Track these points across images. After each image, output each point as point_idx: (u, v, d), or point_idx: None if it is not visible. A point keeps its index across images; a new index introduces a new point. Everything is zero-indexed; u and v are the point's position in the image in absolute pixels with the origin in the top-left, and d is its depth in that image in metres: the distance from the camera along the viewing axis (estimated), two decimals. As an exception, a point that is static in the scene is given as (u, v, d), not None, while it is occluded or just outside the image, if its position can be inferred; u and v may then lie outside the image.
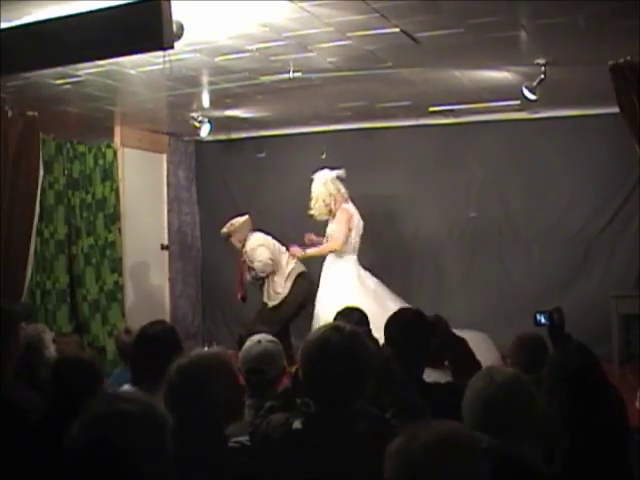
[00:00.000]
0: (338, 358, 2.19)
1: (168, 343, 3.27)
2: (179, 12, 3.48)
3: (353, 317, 3.71)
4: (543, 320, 3.61)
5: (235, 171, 8.37)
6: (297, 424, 2.22)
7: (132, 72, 5.08)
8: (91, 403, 1.72)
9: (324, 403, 2.22)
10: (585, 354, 2.98)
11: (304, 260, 6.89)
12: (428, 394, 2.90)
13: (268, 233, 7.34)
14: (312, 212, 6.70)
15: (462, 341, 3.54)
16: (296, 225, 7.89)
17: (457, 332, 3.65)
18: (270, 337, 3.24)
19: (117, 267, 7.18)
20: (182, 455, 2.17)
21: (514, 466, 2.01)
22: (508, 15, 4.07)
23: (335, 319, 3.57)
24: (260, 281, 6.90)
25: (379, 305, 5.89)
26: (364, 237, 7.54)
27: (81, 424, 1.65)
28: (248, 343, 3.18)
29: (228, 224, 6.89)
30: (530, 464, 2.09)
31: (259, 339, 3.17)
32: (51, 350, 3.65)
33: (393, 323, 3.26)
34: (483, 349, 5.23)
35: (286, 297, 6.80)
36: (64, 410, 2.55)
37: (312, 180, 6.70)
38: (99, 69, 4.92)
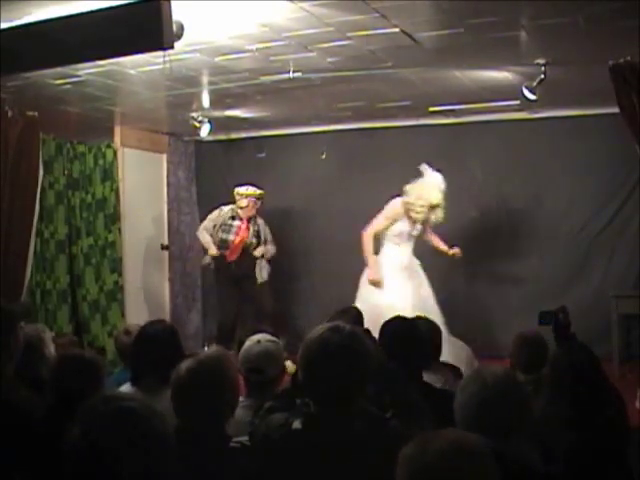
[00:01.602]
0: (338, 358, 2.19)
1: (168, 343, 3.27)
2: (179, 12, 3.48)
3: (351, 315, 3.74)
4: (548, 319, 3.61)
5: (235, 171, 8.36)
6: (297, 424, 2.22)
7: (132, 72, 5.08)
8: (90, 403, 1.72)
9: (324, 403, 2.22)
10: (587, 354, 2.98)
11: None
12: (429, 395, 2.91)
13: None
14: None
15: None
16: (295, 224, 7.92)
17: None
18: (270, 337, 3.24)
19: (117, 267, 7.18)
20: (185, 454, 2.18)
21: (511, 467, 2.01)
22: (508, 15, 4.08)
23: (332, 318, 3.58)
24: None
25: None
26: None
27: (80, 425, 1.65)
28: (248, 343, 3.18)
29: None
30: (527, 464, 2.09)
31: (259, 339, 3.17)
32: (51, 350, 3.65)
33: (389, 328, 3.29)
34: (462, 357, 5.25)
35: None
36: (65, 410, 2.55)
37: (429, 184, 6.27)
38: (99, 69, 4.92)
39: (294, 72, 5.08)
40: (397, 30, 4.27)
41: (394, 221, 6.28)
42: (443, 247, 6.55)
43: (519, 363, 3.60)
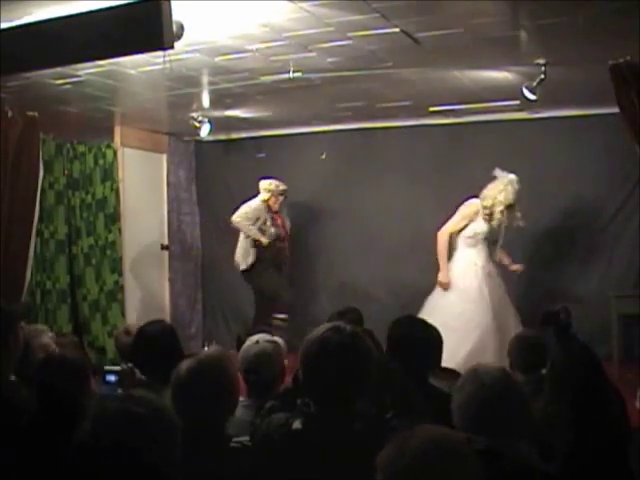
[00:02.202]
0: (338, 358, 2.19)
1: (167, 342, 3.27)
2: (179, 12, 3.48)
3: (350, 316, 3.75)
4: (551, 319, 3.59)
5: (235, 171, 8.36)
6: (297, 424, 2.22)
7: (132, 72, 5.08)
8: (100, 403, 1.72)
9: (324, 403, 2.22)
10: (588, 354, 2.98)
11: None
12: (435, 397, 2.92)
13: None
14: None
15: None
16: (295, 224, 7.91)
17: None
18: (268, 337, 3.24)
19: (117, 267, 7.18)
20: (185, 454, 2.18)
21: (510, 466, 2.01)
22: (508, 15, 4.08)
23: (332, 319, 3.58)
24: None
25: None
26: (362, 238, 7.57)
27: (91, 424, 1.65)
28: (247, 343, 3.19)
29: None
30: (527, 464, 2.09)
31: (257, 339, 3.18)
32: (49, 350, 3.65)
33: (397, 329, 3.28)
34: None
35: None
36: (50, 410, 2.56)
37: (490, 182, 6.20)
38: (99, 69, 4.92)
39: (294, 72, 5.08)
40: (397, 30, 4.27)
41: (470, 221, 6.21)
42: (506, 261, 6.50)
43: (518, 363, 3.60)
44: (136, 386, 2.86)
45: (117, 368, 3.01)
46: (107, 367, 3.18)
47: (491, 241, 6.30)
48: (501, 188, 6.11)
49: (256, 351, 3.11)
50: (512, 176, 6.15)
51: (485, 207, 6.13)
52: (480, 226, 6.20)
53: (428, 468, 1.49)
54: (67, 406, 2.56)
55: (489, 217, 6.14)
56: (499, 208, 6.08)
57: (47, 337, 3.77)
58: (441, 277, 6.16)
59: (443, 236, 6.21)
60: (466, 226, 6.22)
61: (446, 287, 6.15)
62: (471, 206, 6.21)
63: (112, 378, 2.98)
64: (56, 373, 2.78)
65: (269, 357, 3.11)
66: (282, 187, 7.18)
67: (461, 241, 6.31)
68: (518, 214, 6.16)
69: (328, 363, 2.19)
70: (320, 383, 2.22)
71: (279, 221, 7.27)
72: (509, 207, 6.08)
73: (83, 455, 1.63)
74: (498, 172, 6.19)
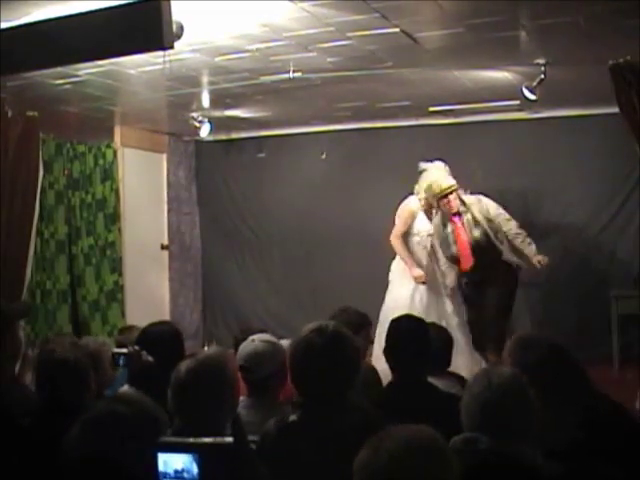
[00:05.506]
0: (321, 359, 2.34)
1: (171, 345, 3.27)
2: (179, 12, 3.48)
3: (349, 313, 3.77)
4: None
5: (235, 171, 8.37)
6: (293, 416, 2.36)
7: (132, 72, 5.08)
8: (89, 407, 1.73)
9: (313, 399, 2.35)
10: (558, 355, 2.95)
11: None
12: (432, 396, 2.93)
13: (266, 233, 7.35)
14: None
15: None
16: (295, 224, 7.92)
17: None
18: (267, 337, 3.24)
19: (117, 267, 7.19)
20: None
21: (513, 467, 2.02)
22: (508, 15, 4.08)
23: (333, 316, 3.61)
24: None
25: None
26: (361, 238, 7.55)
27: (78, 426, 1.65)
28: (245, 342, 3.21)
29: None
30: (529, 464, 2.09)
31: (253, 338, 3.19)
32: (107, 366, 3.63)
33: (396, 328, 3.30)
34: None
35: None
36: (51, 412, 2.56)
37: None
38: (99, 69, 4.93)
39: (294, 72, 5.08)
40: (397, 30, 4.27)
41: (410, 220, 6.09)
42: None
43: (516, 363, 3.59)
44: (143, 367, 2.89)
45: (125, 350, 3.06)
46: (115, 350, 3.24)
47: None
48: (433, 177, 5.90)
49: (249, 350, 3.12)
50: (439, 162, 6.00)
51: (422, 199, 6.06)
52: (424, 223, 6.11)
53: (404, 467, 1.49)
54: (70, 406, 2.56)
55: (433, 209, 6.05)
56: (433, 196, 5.90)
57: (106, 351, 3.67)
58: (413, 273, 5.96)
59: (394, 240, 6.09)
60: (409, 225, 6.10)
61: (421, 279, 5.97)
62: (406, 206, 6.14)
63: (121, 361, 3.07)
64: (58, 374, 2.79)
65: (262, 356, 3.10)
66: (453, 183, 5.91)
67: (411, 239, 6.17)
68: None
69: (312, 364, 2.35)
70: (307, 382, 2.38)
71: (459, 226, 5.93)
72: (447, 190, 5.82)
73: (70, 457, 1.63)
74: (422, 164, 6.07)
